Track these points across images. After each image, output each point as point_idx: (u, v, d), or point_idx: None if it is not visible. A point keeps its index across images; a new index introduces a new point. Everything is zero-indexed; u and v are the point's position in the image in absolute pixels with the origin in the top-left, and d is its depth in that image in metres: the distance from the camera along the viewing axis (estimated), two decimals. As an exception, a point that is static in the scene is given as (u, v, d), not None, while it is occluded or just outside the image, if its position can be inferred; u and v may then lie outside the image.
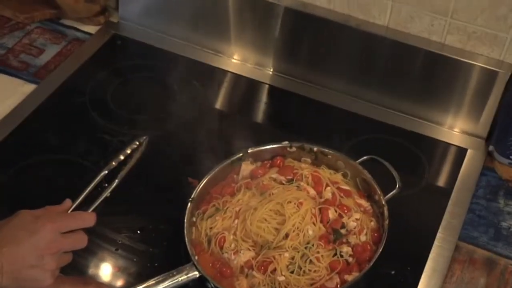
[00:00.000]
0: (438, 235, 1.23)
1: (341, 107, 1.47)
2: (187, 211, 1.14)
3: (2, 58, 1.53)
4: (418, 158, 1.38)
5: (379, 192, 1.14)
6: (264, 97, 1.51)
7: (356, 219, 1.14)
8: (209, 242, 1.12)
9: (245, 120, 1.46)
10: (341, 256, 1.10)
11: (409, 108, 1.46)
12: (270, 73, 1.54)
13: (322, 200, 1.16)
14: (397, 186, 1.15)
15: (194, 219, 1.15)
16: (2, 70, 1.51)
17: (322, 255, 1.09)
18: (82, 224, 1.00)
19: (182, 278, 1.06)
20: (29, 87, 1.46)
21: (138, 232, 1.20)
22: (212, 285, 1.07)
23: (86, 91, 1.47)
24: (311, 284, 1.07)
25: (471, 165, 1.37)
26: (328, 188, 1.18)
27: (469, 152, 1.39)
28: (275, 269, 1.07)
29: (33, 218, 0.93)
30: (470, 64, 1.37)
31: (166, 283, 1.06)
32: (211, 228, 1.14)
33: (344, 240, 1.12)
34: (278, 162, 1.24)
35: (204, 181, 1.19)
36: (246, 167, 1.23)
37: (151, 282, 1.06)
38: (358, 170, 1.18)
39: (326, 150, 1.22)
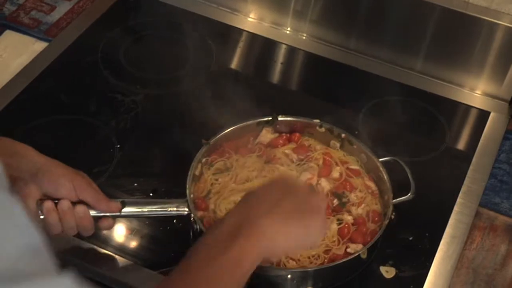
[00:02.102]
0: (458, 200, 1.19)
1: (359, 67, 1.42)
2: (200, 151, 1.14)
3: (13, 15, 1.48)
4: (438, 121, 1.33)
5: (390, 193, 1.11)
6: (280, 58, 1.46)
7: (359, 196, 1.12)
8: (208, 193, 1.12)
9: (260, 81, 1.41)
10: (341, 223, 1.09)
11: (429, 69, 1.41)
12: (288, 32, 1.48)
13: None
14: (409, 193, 1.11)
15: (204, 160, 1.15)
16: (13, 27, 1.46)
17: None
18: None
19: (171, 209, 1.06)
20: (40, 45, 1.42)
21: (151, 194, 1.17)
22: (199, 227, 1.05)
23: (98, 49, 1.42)
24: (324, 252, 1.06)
25: (493, 129, 1.32)
26: (337, 167, 1.16)
27: (491, 115, 1.34)
28: None
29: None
30: (495, 23, 1.31)
31: (154, 207, 1.05)
32: (216, 179, 1.14)
33: (344, 209, 1.11)
34: (296, 138, 1.21)
35: (224, 132, 1.17)
36: (266, 134, 1.20)
37: (141, 200, 1.07)
38: (377, 167, 1.15)
39: (353, 139, 1.18)
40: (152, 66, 1.40)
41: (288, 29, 1.49)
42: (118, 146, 1.23)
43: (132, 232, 1.11)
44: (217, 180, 1.14)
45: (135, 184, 1.17)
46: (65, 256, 1.06)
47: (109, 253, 1.08)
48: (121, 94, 1.33)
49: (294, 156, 1.18)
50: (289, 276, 1.04)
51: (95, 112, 1.30)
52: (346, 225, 1.09)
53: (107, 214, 1.01)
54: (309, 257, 1.05)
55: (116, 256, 1.07)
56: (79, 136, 1.26)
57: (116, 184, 1.16)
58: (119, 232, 1.12)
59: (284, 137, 1.21)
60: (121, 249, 1.09)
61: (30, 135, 1.24)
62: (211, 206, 1.10)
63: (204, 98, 1.32)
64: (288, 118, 1.21)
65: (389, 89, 1.38)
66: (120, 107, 1.30)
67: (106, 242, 1.10)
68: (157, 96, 1.34)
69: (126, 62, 1.40)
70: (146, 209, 1.05)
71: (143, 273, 1.06)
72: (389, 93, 1.37)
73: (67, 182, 0.95)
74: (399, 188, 1.12)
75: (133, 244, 1.10)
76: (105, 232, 1.10)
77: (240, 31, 1.49)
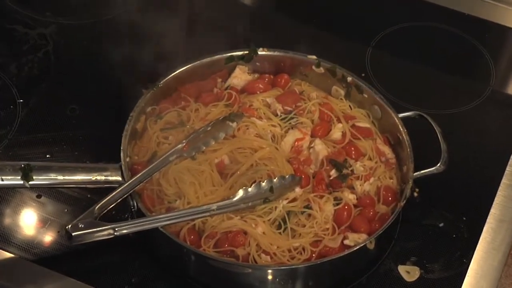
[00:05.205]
0: (508, 169, 1.19)
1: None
2: (143, 97, 1.14)
3: None
4: (480, 56, 1.34)
5: (410, 163, 1.10)
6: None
7: (368, 166, 1.13)
8: (153, 155, 1.13)
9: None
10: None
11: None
12: None
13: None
14: (439, 164, 1.10)
15: (149, 109, 1.16)
16: None
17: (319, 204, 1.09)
18: None
19: (98, 177, 1.07)
20: None
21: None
22: (136, 205, 1.06)
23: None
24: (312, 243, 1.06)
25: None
26: (339, 125, 1.16)
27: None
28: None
29: None
30: None
31: (74, 174, 1.06)
32: (165, 138, 1.15)
33: (345, 184, 1.11)
34: (282, 81, 1.21)
35: (178, 71, 1.18)
36: (240, 75, 1.20)
37: (55, 165, 1.07)
38: (395, 125, 1.14)
39: (364, 85, 1.18)
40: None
41: None
42: (21, 101, 1.22)
43: (45, 224, 1.11)
44: (166, 138, 1.15)
45: (48, 156, 1.17)
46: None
47: (12, 255, 1.07)
48: (23, 25, 1.32)
49: (279, 107, 1.18)
50: (261, 275, 1.05)
51: (-13, 52, 1.29)
52: (346, 207, 1.09)
53: (7, 182, 1.02)
54: (289, 250, 1.05)
55: (24, 261, 1.07)
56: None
57: (20, 155, 1.16)
58: (27, 224, 1.11)
59: (266, 79, 1.21)
60: (29, 250, 1.08)
61: None
62: (155, 175, 1.10)
63: (145, 27, 1.30)
64: (272, 53, 1.21)
65: (409, 11, 1.38)
66: (22, 44, 1.29)
67: (7, 240, 1.09)
68: (76, 26, 1.33)
69: (29, -23, 1.38)
70: (62, 177, 1.05)
71: (63, 282, 1.05)
72: (409, 17, 1.37)
73: None
74: (425, 155, 1.11)
75: (47, 240, 1.10)
76: (5, 224, 1.10)
77: None
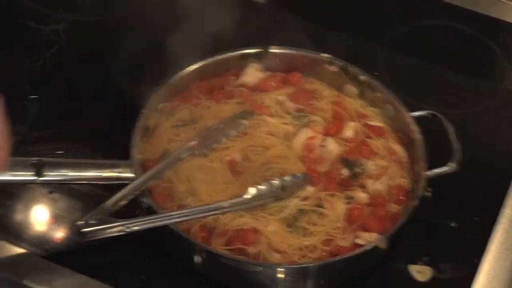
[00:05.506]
0: (522, 168, 1.20)
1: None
2: (154, 94, 1.15)
3: None
4: (494, 55, 1.34)
5: (423, 162, 1.11)
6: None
7: (380, 165, 1.13)
8: (165, 153, 1.13)
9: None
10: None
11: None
12: None
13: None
14: (452, 163, 1.11)
15: (161, 106, 1.17)
16: None
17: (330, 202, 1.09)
18: None
19: (109, 174, 1.07)
20: None
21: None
22: (147, 203, 1.06)
23: (1, -45, 1.40)
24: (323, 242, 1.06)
25: None
26: (352, 123, 1.17)
27: None
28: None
29: None
30: None
31: (85, 171, 1.07)
32: (177, 134, 1.15)
33: (357, 183, 1.12)
34: (294, 79, 1.21)
35: (191, 68, 1.19)
36: (253, 72, 1.21)
37: (67, 161, 1.08)
38: (407, 124, 1.15)
39: (377, 84, 1.18)
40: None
41: None
42: (33, 97, 1.23)
43: (57, 220, 1.11)
44: (178, 135, 1.15)
45: (60, 152, 1.17)
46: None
47: (23, 251, 1.07)
48: (36, 21, 1.32)
49: (291, 105, 1.19)
50: (272, 273, 1.04)
51: (-1, 47, 1.30)
52: (358, 206, 1.09)
53: (19, 178, 1.03)
54: (300, 249, 1.05)
55: (34, 257, 1.07)
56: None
57: (31, 151, 1.14)
58: (38, 219, 1.12)
59: (278, 77, 1.22)
60: (40, 246, 1.08)
61: None
62: (167, 173, 1.10)
63: (159, 24, 1.30)
64: (285, 51, 1.22)
65: (423, 10, 1.39)
66: (35, 40, 1.30)
67: (18, 235, 1.09)
68: (89, 23, 1.34)
69: (42, -27, 1.39)
70: (73, 174, 1.06)
71: (73, 278, 1.05)
72: (423, 16, 1.38)
73: None
74: (438, 154, 1.11)
75: (58, 236, 1.10)
76: (17, 220, 1.11)
77: None
